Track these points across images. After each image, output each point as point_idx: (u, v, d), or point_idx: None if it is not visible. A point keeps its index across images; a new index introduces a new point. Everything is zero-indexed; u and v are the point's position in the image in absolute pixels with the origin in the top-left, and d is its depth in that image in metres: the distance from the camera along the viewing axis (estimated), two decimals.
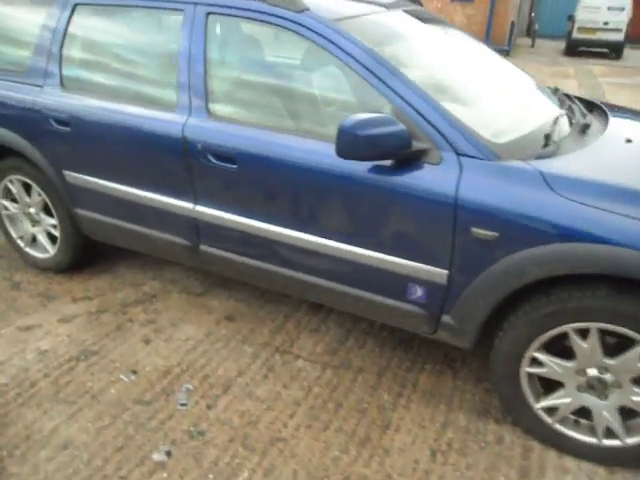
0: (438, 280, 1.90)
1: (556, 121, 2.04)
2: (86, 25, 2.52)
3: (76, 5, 2.51)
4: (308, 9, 2.07)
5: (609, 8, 14.40)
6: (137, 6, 2.40)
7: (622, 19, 14.23)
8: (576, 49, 15.19)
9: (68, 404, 2.11)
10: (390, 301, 2.05)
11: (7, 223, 3.06)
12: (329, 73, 2.11)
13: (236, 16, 2.18)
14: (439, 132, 1.82)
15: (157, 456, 1.89)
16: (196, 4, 2.23)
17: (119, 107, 2.38)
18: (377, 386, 2.26)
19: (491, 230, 1.74)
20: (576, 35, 14.82)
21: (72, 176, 2.61)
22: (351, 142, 1.73)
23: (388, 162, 1.86)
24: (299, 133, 2.04)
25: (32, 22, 2.65)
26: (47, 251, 2.98)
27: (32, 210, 2.93)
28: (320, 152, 1.97)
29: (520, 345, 1.83)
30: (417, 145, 1.82)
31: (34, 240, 3.05)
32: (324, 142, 1.98)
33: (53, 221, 2.87)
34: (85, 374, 2.28)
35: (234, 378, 2.28)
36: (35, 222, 2.98)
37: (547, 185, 1.69)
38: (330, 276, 2.13)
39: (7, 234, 3.10)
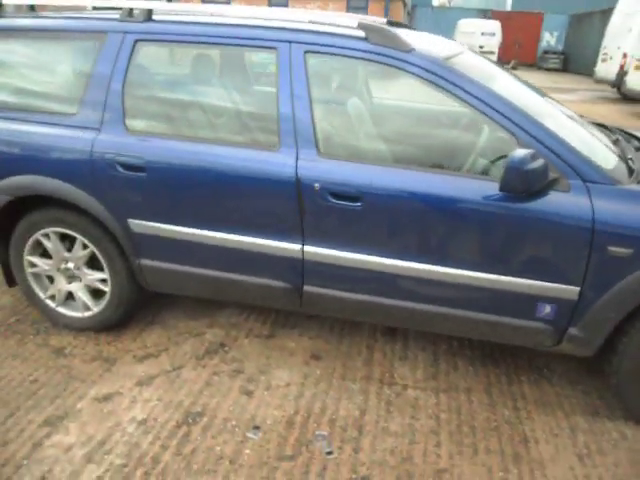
0: (569, 296, 2.07)
1: (624, 149, 2.33)
2: (152, 63, 2.36)
3: (137, 41, 2.34)
4: (414, 49, 2.15)
5: (482, 33, 16.13)
6: (213, 43, 2.30)
7: (494, 43, 16.02)
8: None
9: (210, 474, 1.94)
10: (516, 321, 2.17)
11: (32, 282, 2.70)
12: (449, 112, 2.21)
13: (337, 55, 2.20)
14: (566, 162, 2.00)
15: None
16: (290, 42, 2.21)
17: (206, 148, 2.25)
18: (493, 403, 2.36)
19: (627, 247, 1.95)
20: None
21: (141, 225, 2.39)
22: (519, 177, 1.84)
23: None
24: (421, 168, 2.11)
25: (80, 60, 2.41)
26: (89, 309, 2.68)
27: (70, 265, 2.62)
28: (447, 186, 2.06)
29: None
30: (550, 175, 1.98)
31: (67, 298, 2.72)
32: (449, 176, 2.07)
33: (101, 275, 2.59)
34: (206, 438, 2.10)
35: (360, 417, 2.24)
36: (73, 278, 2.67)
37: None
38: (455, 304, 2.20)
39: (31, 294, 2.73)
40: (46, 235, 2.57)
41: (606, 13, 19.12)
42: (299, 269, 2.30)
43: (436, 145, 2.22)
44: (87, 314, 2.69)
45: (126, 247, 2.46)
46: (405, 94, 2.29)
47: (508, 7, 41.62)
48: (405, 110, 2.28)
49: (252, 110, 2.31)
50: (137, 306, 2.75)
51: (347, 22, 2.28)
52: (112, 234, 2.47)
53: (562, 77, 19.99)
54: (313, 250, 2.24)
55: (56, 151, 2.38)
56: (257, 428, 2.16)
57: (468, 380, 2.50)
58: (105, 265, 2.55)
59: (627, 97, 12.12)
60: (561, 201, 1.98)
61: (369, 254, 2.19)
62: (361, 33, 2.18)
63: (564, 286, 2.06)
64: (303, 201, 2.17)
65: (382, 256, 2.18)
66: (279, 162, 2.17)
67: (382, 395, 2.38)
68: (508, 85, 2.31)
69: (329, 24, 2.29)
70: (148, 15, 2.37)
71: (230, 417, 2.22)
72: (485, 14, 22.78)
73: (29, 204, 2.54)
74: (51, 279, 2.72)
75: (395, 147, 2.22)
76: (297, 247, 2.25)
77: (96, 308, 2.67)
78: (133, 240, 2.44)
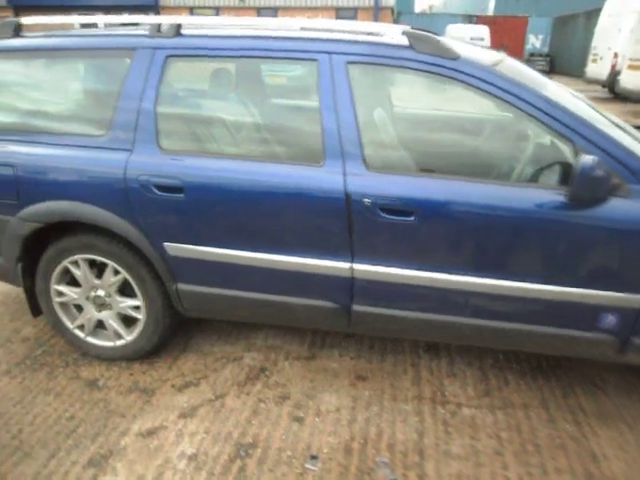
0: (633, 305, 2.00)
1: None
2: (184, 78, 2.26)
3: (168, 57, 2.24)
4: (461, 56, 2.08)
5: (471, 38, 16.24)
6: (249, 57, 2.22)
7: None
8: None
9: None
10: (578, 332, 2.09)
11: (59, 312, 2.58)
12: (498, 119, 2.14)
13: (381, 64, 2.12)
14: (626, 167, 1.94)
15: None
16: (331, 53, 2.13)
17: (246, 166, 2.16)
18: (552, 419, 2.27)
19: None
20: None
21: (178, 248, 2.29)
22: (589, 184, 1.77)
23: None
24: (473, 178, 2.03)
25: (107, 79, 2.31)
26: (121, 338, 2.56)
27: (101, 293, 2.50)
28: (503, 196, 1.98)
29: None
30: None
31: (96, 327, 2.60)
32: (504, 186, 1.99)
33: (134, 302, 2.47)
34: (263, 472, 1.99)
35: (419, 440, 2.15)
36: (103, 306, 2.55)
37: None
38: (514, 318, 2.12)
39: (58, 325, 2.60)
40: (74, 262, 2.46)
41: (590, 15, 19.38)
42: (347, 288, 2.20)
43: (487, 154, 2.15)
44: (119, 343, 2.57)
45: (162, 272, 2.35)
46: (452, 103, 2.22)
47: (490, 12, 42.21)
48: (453, 119, 2.21)
49: (292, 124, 2.23)
50: (171, 333, 2.63)
51: (389, 31, 2.20)
52: (147, 259, 2.36)
53: (550, 79, 20.14)
54: (363, 268, 2.15)
55: (86, 174, 2.27)
56: (315, 458, 2.06)
57: (522, 395, 2.42)
58: (138, 291, 2.43)
59: (620, 96, 12.22)
60: (622, 207, 1.91)
61: (422, 270, 2.10)
62: (405, 41, 2.11)
63: (629, 295, 1.98)
64: (352, 217, 2.08)
65: (436, 271, 2.09)
66: (326, 178, 2.08)
67: (437, 415, 2.29)
68: (555, 90, 2.25)
69: (370, 33, 2.22)
70: (177, 30, 2.28)
71: (284, 447, 2.11)
72: (470, 19, 22.99)
73: (57, 230, 2.42)
74: (79, 308, 2.60)
75: (445, 158, 2.14)
76: (346, 265, 2.16)
77: (129, 336, 2.55)
78: (169, 264, 2.33)
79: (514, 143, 2.23)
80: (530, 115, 2.00)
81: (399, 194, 2.03)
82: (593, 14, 18.78)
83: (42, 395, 2.39)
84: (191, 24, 2.34)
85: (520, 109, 2.00)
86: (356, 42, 2.15)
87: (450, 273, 2.08)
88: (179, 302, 2.43)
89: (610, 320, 2.05)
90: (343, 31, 2.23)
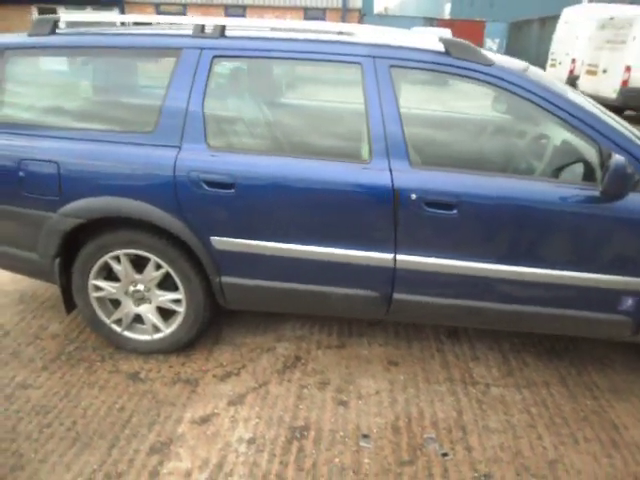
0: None
1: None
2: (230, 78, 2.34)
3: (215, 57, 2.32)
4: (495, 62, 2.26)
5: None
6: (294, 59, 2.32)
7: None
8: None
9: None
10: (601, 315, 2.31)
11: (96, 307, 2.61)
12: (529, 120, 2.32)
13: (421, 69, 2.27)
14: None
15: None
16: (375, 57, 2.26)
17: (294, 162, 2.27)
18: (573, 395, 2.49)
19: None
20: None
21: (224, 242, 2.37)
22: (620, 180, 1.98)
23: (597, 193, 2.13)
24: (510, 174, 2.21)
25: (154, 77, 2.36)
26: (159, 331, 2.61)
27: (140, 287, 2.55)
28: (536, 190, 2.17)
29: None
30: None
31: (133, 322, 2.64)
32: (537, 181, 2.19)
33: (175, 295, 2.53)
34: (321, 451, 2.11)
35: (458, 418, 2.31)
36: (141, 300, 2.59)
37: None
38: (543, 303, 2.32)
39: (94, 320, 2.63)
40: (115, 257, 2.49)
41: (544, 21, 20.26)
42: (389, 278, 2.35)
43: (519, 153, 2.34)
44: (157, 336, 2.62)
45: (207, 265, 2.42)
46: (484, 106, 2.40)
47: (446, 15, 43.26)
48: (487, 120, 2.39)
49: (338, 123, 2.35)
50: (207, 325, 2.70)
51: (426, 37, 2.36)
52: (191, 253, 2.42)
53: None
54: (405, 258, 2.30)
55: (134, 171, 2.32)
56: (366, 437, 2.19)
57: (541, 374, 2.63)
58: (181, 285, 2.49)
59: None
60: None
61: (461, 259, 2.27)
62: (442, 48, 2.27)
63: None
64: (398, 212, 2.22)
65: (474, 260, 2.26)
66: (373, 174, 2.22)
67: (470, 395, 2.46)
68: (576, 95, 2.46)
69: (408, 38, 2.37)
70: (222, 31, 2.36)
71: (335, 428, 2.23)
72: (431, 22, 23.58)
73: (96, 226, 2.45)
74: (115, 303, 2.63)
75: (482, 155, 2.31)
76: (389, 256, 2.30)
77: (167, 329, 2.61)
78: (214, 258, 2.41)
79: (543, 143, 2.43)
80: (559, 118, 2.20)
81: (443, 189, 2.19)
82: (547, 20, 19.65)
83: (87, 389, 2.42)
84: (234, 25, 2.42)
85: (550, 112, 2.19)
86: (398, 47, 2.29)
87: (486, 262, 2.26)
88: (221, 294, 2.50)
89: (629, 303, 2.28)
90: (386, 37, 2.36)
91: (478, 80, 2.23)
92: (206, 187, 2.28)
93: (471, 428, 2.26)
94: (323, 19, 16.44)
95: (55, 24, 2.47)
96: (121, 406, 2.32)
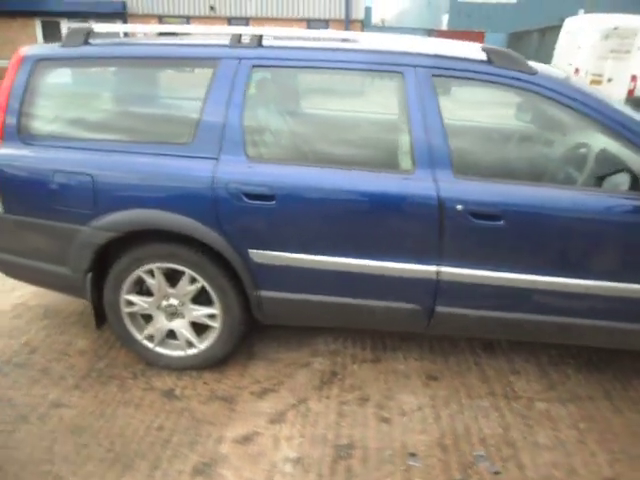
0: None
1: None
2: (269, 88, 2.31)
3: (253, 67, 2.28)
4: (538, 71, 2.23)
5: None
6: (333, 68, 2.29)
7: None
8: None
9: None
10: None
11: (128, 322, 2.54)
12: (571, 129, 2.29)
13: (463, 78, 2.24)
14: None
15: None
16: (416, 66, 2.23)
17: (336, 174, 2.22)
18: (619, 409, 2.43)
19: None
20: None
21: (263, 255, 2.31)
22: None
23: None
24: (555, 184, 2.17)
25: (190, 87, 2.32)
26: (193, 346, 2.55)
27: (174, 302, 2.49)
28: (587, 200, 2.13)
29: None
30: None
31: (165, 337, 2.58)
32: (584, 192, 2.15)
33: (210, 310, 2.47)
34: (370, 471, 2.04)
35: (505, 434, 2.25)
36: (174, 315, 2.53)
37: None
38: (592, 315, 2.26)
39: (126, 336, 2.56)
40: (148, 271, 2.44)
41: (544, 31, 20.41)
42: (432, 290, 2.29)
43: (563, 161, 2.30)
44: (190, 352, 2.56)
45: (244, 279, 2.37)
46: (527, 114, 2.38)
47: (444, 26, 43.55)
48: (529, 130, 2.36)
49: (379, 133, 2.31)
50: (242, 341, 2.64)
51: (468, 47, 2.33)
52: (228, 267, 2.37)
53: None
54: (449, 270, 2.25)
55: (171, 182, 2.27)
56: (414, 455, 2.13)
57: (584, 388, 2.57)
58: (216, 299, 2.43)
59: None
60: None
61: (506, 271, 2.22)
62: (484, 56, 2.24)
63: None
64: (444, 222, 2.17)
65: (519, 272, 2.21)
66: (419, 185, 2.17)
67: (514, 410, 2.40)
68: (619, 103, 2.43)
69: (449, 48, 2.34)
70: (259, 41, 2.33)
71: (381, 447, 2.16)
72: (430, 33, 23.72)
73: (129, 240, 2.40)
74: (146, 318, 2.57)
75: (524, 165, 2.28)
76: (432, 268, 2.25)
77: (201, 345, 2.54)
78: (252, 271, 2.35)
79: (586, 152, 2.40)
80: (604, 125, 2.16)
81: (489, 200, 2.14)
82: (547, 31, 19.78)
83: (122, 407, 2.35)
84: (270, 35, 2.39)
85: (595, 120, 2.16)
86: (439, 56, 2.26)
87: (533, 273, 2.21)
88: (259, 309, 2.44)
89: None
90: (427, 46, 2.33)
91: (522, 89, 2.20)
92: (246, 199, 2.24)
93: (520, 445, 2.20)
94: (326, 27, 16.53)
95: (88, 35, 2.43)
96: (159, 425, 2.25)
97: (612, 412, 2.40)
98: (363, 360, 2.74)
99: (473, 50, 2.30)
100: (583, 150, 2.40)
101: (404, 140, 2.21)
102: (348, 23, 16.37)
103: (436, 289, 2.29)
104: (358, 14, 16.74)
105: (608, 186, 2.25)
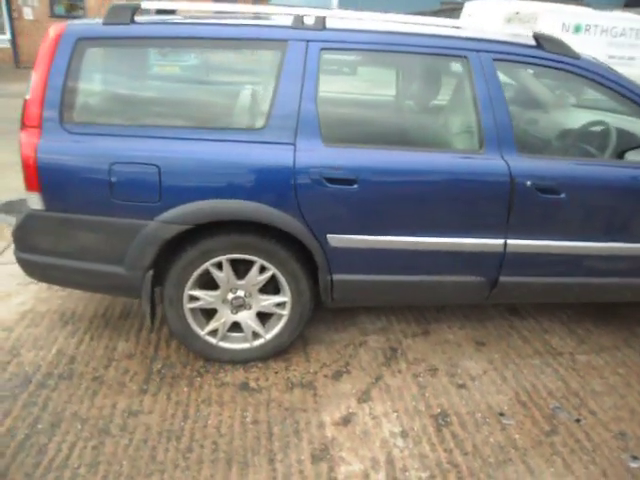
0: None
1: None
2: (340, 71, 2.29)
3: (322, 50, 2.25)
4: (581, 56, 2.45)
5: None
6: (401, 52, 2.33)
7: None
8: None
9: (510, 464, 2.04)
10: None
11: (190, 319, 2.43)
12: (613, 109, 2.53)
13: (520, 62, 2.40)
14: None
15: (634, 464, 2.07)
16: (479, 51, 2.34)
17: (413, 155, 2.29)
18: None
19: None
20: None
21: (341, 239, 2.32)
22: None
23: None
24: (609, 160, 2.42)
25: (258, 70, 2.24)
26: (259, 337, 2.50)
27: (241, 293, 2.42)
28: (631, 175, 2.41)
29: None
30: None
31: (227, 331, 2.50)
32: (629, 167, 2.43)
33: (280, 298, 2.43)
34: (473, 434, 2.18)
35: (566, 386, 2.50)
36: (240, 307, 2.46)
37: None
38: (632, 274, 2.57)
39: (187, 334, 2.44)
40: (216, 264, 2.34)
41: (437, 14, 21.48)
42: (498, 262, 2.46)
43: (611, 139, 2.56)
44: (256, 343, 2.51)
45: (320, 264, 2.36)
46: (577, 93, 2.59)
47: (334, 6, 43.98)
48: (576, 109, 2.57)
49: (449, 115, 2.39)
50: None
51: (519, 32, 2.48)
52: (303, 253, 2.35)
53: None
54: (515, 242, 2.42)
55: (247, 170, 2.19)
56: (502, 414, 2.30)
57: (608, 339, 2.91)
58: (287, 287, 2.40)
59: None
60: None
61: (565, 240, 2.44)
62: (533, 42, 2.41)
63: None
64: (514, 198, 2.33)
65: (577, 240, 2.45)
66: (490, 163, 2.30)
67: (563, 364, 2.67)
68: None
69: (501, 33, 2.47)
70: (324, 23, 2.29)
71: (471, 410, 2.31)
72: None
73: (197, 233, 2.28)
74: (207, 313, 2.47)
75: (578, 142, 2.50)
76: (500, 242, 2.41)
77: (268, 335, 2.50)
78: (328, 256, 2.36)
79: (628, 130, 2.68)
80: (637, 104, 2.44)
81: (553, 175, 2.34)
82: (440, 14, 20.84)
83: (204, 406, 2.25)
84: (332, 16, 2.36)
85: (633, 100, 2.43)
86: (499, 41, 2.39)
87: (588, 240, 2.45)
88: (329, 292, 2.45)
89: None
90: (487, 31, 2.45)
91: (570, 72, 2.40)
92: (327, 184, 2.22)
93: (582, 394, 2.46)
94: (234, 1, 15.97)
95: (134, 12, 2.23)
96: (253, 419, 2.20)
97: (639, 356, 2.76)
98: (414, 334, 2.86)
99: (524, 36, 2.45)
100: (624, 128, 2.68)
101: (473, 121, 2.32)
102: None
103: (502, 261, 2.46)
104: None
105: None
